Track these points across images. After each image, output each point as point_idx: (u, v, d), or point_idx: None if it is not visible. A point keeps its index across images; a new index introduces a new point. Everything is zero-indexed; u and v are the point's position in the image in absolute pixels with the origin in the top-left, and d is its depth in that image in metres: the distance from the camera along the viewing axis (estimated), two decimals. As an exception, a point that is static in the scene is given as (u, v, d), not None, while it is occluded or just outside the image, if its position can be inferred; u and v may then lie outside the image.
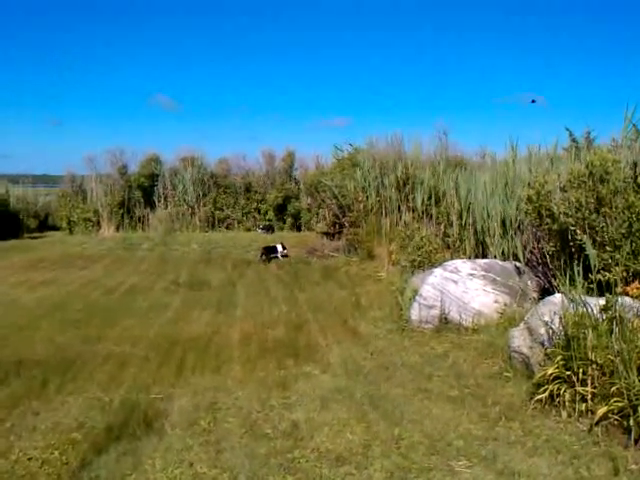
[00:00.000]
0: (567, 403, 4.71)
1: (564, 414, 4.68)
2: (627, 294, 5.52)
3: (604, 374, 4.62)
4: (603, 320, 4.82)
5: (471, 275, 7.55)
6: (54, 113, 68.14)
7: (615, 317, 4.76)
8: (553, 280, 6.90)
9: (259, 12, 64.42)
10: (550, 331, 5.14)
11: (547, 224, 7.05)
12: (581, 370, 4.69)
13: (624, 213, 6.28)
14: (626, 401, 4.30)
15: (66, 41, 64.10)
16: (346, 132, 57.58)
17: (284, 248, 13.87)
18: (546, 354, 5.16)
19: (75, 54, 64.71)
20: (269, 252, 13.70)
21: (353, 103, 62.57)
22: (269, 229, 19.09)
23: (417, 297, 7.59)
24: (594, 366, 4.67)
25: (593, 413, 4.49)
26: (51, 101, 63.39)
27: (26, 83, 62.66)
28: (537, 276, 7.70)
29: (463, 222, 10.35)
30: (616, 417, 4.35)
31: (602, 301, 4.93)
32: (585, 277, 5.68)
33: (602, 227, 6.33)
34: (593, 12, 56.92)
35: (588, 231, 6.34)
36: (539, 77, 57.36)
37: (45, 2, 64.09)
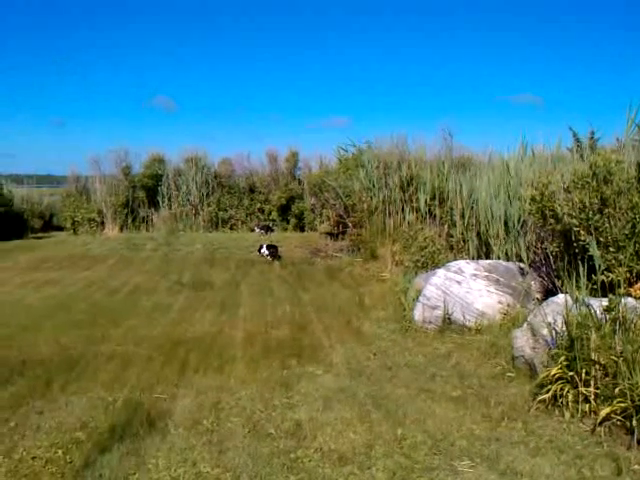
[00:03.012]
0: (570, 404, 4.71)
1: (567, 414, 4.68)
2: (630, 295, 5.52)
3: (607, 375, 4.62)
4: (606, 321, 4.82)
5: (474, 276, 7.55)
6: (57, 114, 68.38)
7: (618, 318, 4.76)
8: (556, 281, 6.90)
9: (260, 13, 64.43)
10: (553, 332, 5.14)
11: (551, 225, 7.04)
12: (584, 371, 4.69)
13: (628, 214, 6.27)
14: (629, 402, 4.30)
15: (68, 43, 64.17)
16: (347, 132, 57.56)
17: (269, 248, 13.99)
18: (549, 355, 5.15)
19: (77, 55, 64.91)
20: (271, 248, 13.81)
21: (354, 103, 62.58)
22: (267, 229, 18.36)
23: (420, 297, 7.60)
24: (597, 367, 4.67)
25: (596, 414, 4.49)
26: (54, 102, 63.61)
27: (30, 84, 62.85)
28: (540, 277, 7.69)
29: (466, 222, 10.35)
30: (619, 418, 4.35)
31: (605, 302, 4.93)
32: (589, 278, 5.68)
33: (606, 228, 6.31)
34: (597, 12, 56.79)
35: (592, 232, 6.33)
36: (542, 77, 57.34)
37: (47, 4, 64.21)
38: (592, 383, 4.67)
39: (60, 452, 4.24)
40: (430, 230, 11.10)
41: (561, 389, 4.78)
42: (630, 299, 5.24)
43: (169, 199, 21.16)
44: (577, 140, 8.81)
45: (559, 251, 7.02)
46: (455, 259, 8.95)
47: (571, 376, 4.76)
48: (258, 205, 21.21)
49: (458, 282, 7.50)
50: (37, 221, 21.92)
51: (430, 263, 9.58)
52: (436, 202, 11.71)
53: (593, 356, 4.70)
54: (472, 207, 10.31)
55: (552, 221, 6.99)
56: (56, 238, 19.79)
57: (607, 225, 6.32)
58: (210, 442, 4.40)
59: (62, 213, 21.63)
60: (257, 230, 18.33)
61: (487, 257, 9.33)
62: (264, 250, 13.67)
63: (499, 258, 8.98)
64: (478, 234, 9.95)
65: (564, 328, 5.01)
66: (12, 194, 21.31)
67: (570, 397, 4.72)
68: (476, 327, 7.12)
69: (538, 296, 7.44)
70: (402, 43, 62.08)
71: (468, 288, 7.42)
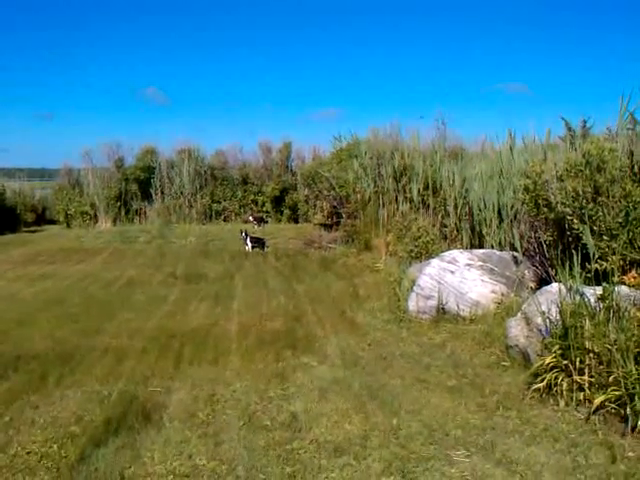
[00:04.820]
0: (565, 392, 4.72)
1: (562, 403, 4.70)
2: (624, 283, 5.52)
3: (601, 363, 4.63)
4: (600, 309, 4.83)
5: (468, 265, 7.56)
6: (51, 108, 68.25)
7: (612, 306, 4.77)
8: (550, 269, 6.91)
9: (250, 8, 64.24)
10: (547, 321, 5.14)
11: (544, 214, 7.04)
12: (578, 359, 4.70)
13: (621, 202, 6.27)
14: (623, 390, 4.31)
15: (59, 37, 63.97)
16: (342, 123, 57.60)
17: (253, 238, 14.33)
18: (543, 343, 5.16)
19: (72, 50, 64.73)
20: (256, 242, 14.06)
21: (348, 94, 62.51)
22: (261, 220, 18.24)
23: (415, 288, 7.60)
24: (591, 355, 4.68)
25: (590, 402, 4.50)
26: (49, 96, 63.49)
27: (26, 79, 62.73)
28: (534, 266, 7.70)
29: (459, 212, 10.35)
30: (613, 406, 4.37)
31: (599, 290, 4.94)
32: (582, 266, 5.68)
33: (599, 216, 6.32)
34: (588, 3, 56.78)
35: (585, 220, 6.33)
36: (533, 67, 57.31)
37: (43, 1, 63.98)
38: (586, 371, 4.68)
39: (55, 446, 4.23)
40: (424, 220, 11.10)
41: (555, 378, 4.79)
42: (624, 287, 5.24)
43: (162, 191, 21.07)
44: (569, 129, 8.80)
45: (553, 240, 7.03)
46: (449, 249, 8.96)
47: (565, 365, 4.77)
48: (251, 197, 21.15)
49: (452, 272, 7.51)
50: (30, 215, 21.86)
51: (424, 253, 9.59)
52: (429, 192, 11.67)
53: (587, 345, 4.71)
54: (465, 197, 10.31)
55: (545, 210, 6.99)
56: (49, 232, 19.72)
57: (600, 213, 6.33)
58: (206, 434, 4.40)
59: (55, 206, 21.55)
60: (250, 219, 18.28)
61: (481, 246, 9.33)
62: (247, 239, 14.05)
63: (493, 247, 8.98)
64: (472, 224, 9.95)
65: (558, 317, 5.02)
66: (4, 188, 21.21)
67: (564, 386, 4.73)
68: (470, 317, 7.14)
69: (532, 285, 7.45)
70: (400, 41, 62.15)
71: (462, 278, 7.43)
